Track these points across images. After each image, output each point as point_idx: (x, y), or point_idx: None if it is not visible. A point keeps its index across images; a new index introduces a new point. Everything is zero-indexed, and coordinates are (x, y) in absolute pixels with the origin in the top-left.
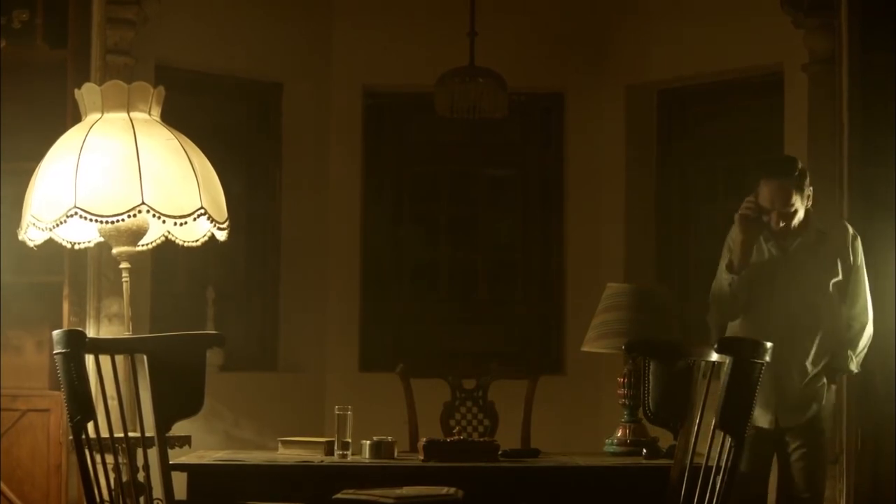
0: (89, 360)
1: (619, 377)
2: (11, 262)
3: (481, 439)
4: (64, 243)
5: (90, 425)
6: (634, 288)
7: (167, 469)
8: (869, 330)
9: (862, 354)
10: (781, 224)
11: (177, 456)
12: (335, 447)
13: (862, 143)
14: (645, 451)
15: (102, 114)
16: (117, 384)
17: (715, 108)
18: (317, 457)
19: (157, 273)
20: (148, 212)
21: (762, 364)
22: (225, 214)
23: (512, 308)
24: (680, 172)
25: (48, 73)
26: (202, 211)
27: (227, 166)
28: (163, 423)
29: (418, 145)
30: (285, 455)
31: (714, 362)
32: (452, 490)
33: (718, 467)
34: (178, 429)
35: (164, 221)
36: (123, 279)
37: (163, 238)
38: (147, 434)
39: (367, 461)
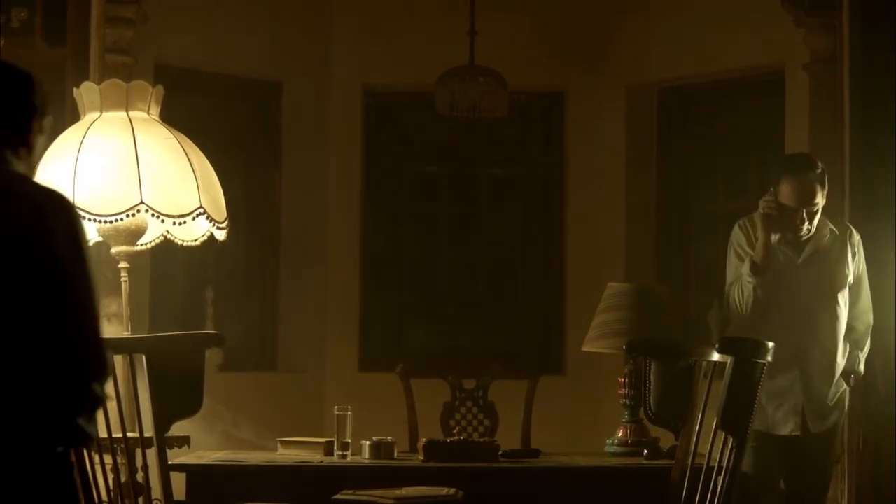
0: None
1: (619, 377)
2: None
3: (481, 440)
4: None
5: None
6: (635, 287)
7: (166, 469)
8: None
9: (865, 356)
10: (807, 224)
11: (176, 456)
12: (335, 447)
13: (863, 142)
14: (646, 451)
15: (101, 113)
16: (116, 384)
17: (716, 107)
18: (316, 457)
19: (157, 273)
20: (147, 211)
21: (764, 364)
22: (224, 214)
23: (512, 308)
24: (680, 172)
25: (47, 71)
26: (201, 210)
27: (227, 166)
28: (162, 424)
29: (418, 144)
30: (284, 455)
31: (715, 362)
32: (452, 491)
33: (720, 468)
34: (177, 429)
35: (162, 221)
36: (122, 279)
37: (162, 238)
38: (146, 434)
39: (366, 461)
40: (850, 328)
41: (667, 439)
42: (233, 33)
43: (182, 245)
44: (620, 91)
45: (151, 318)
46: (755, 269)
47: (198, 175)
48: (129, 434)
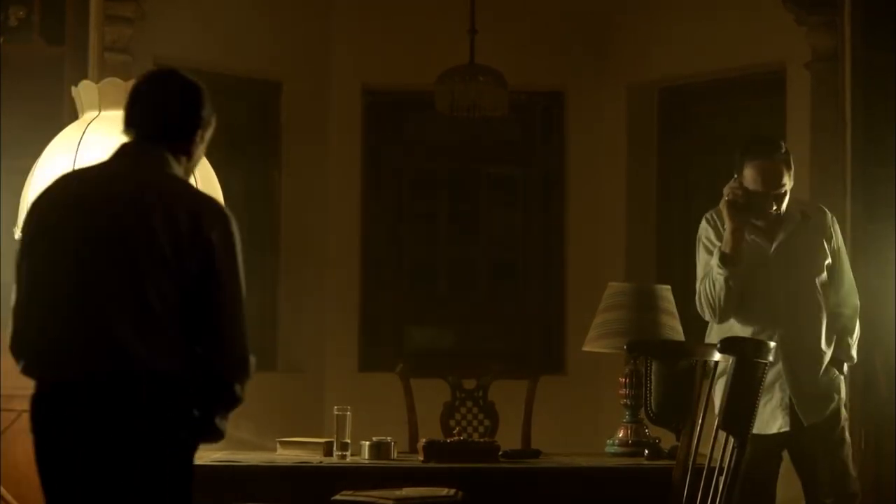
0: None
1: (620, 377)
2: (7, 261)
3: (481, 440)
4: None
5: None
6: (636, 287)
7: None
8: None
9: (857, 342)
10: (774, 207)
11: None
12: (334, 448)
13: (864, 141)
14: (647, 451)
15: (100, 111)
16: None
17: (716, 106)
18: (315, 457)
19: None
20: None
21: (765, 364)
22: None
23: (512, 307)
24: (681, 171)
25: (45, 70)
26: None
27: (226, 165)
28: None
29: (418, 144)
30: (284, 456)
31: (716, 362)
32: (452, 491)
33: (721, 468)
34: None
35: None
36: None
37: None
38: None
39: (366, 462)
40: (836, 314)
41: (667, 440)
42: (232, 32)
43: None
44: (621, 90)
45: None
46: (725, 259)
47: (196, 174)
48: None
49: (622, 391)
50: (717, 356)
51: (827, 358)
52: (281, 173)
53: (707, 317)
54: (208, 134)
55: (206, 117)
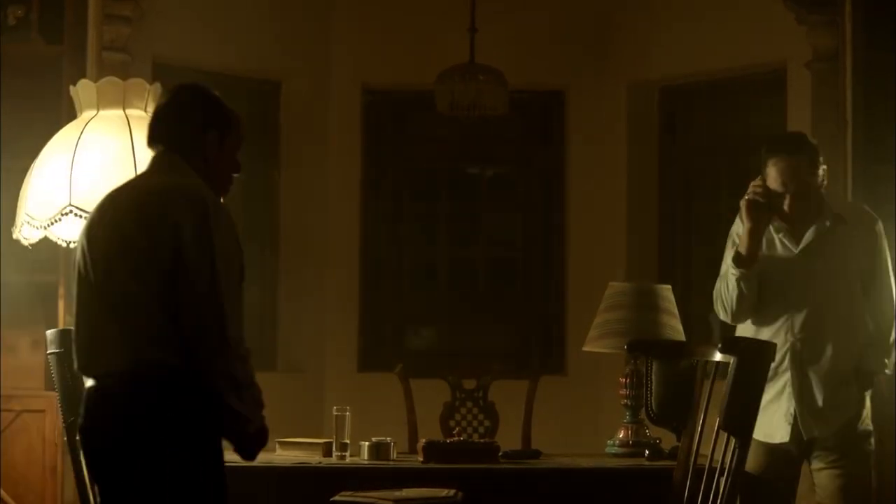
0: None
1: (620, 377)
2: (6, 261)
3: (481, 440)
4: (59, 242)
5: None
6: (636, 287)
7: None
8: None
9: (893, 356)
10: (787, 206)
11: None
12: (333, 448)
13: (865, 140)
14: (647, 452)
15: (98, 111)
16: None
17: (717, 105)
18: (315, 458)
19: None
20: None
21: (768, 364)
22: None
23: (513, 307)
24: (682, 170)
25: (44, 69)
26: None
27: None
28: None
29: (418, 143)
30: (283, 456)
31: (718, 362)
32: (452, 492)
33: (722, 469)
34: None
35: None
36: None
37: None
38: None
39: (365, 462)
40: (870, 323)
41: (668, 440)
42: (231, 31)
43: None
44: (622, 89)
45: None
46: (739, 259)
47: None
48: None
49: (622, 391)
50: (717, 356)
51: (847, 370)
52: (280, 172)
53: (722, 316)
54: (225, 136)
55: (211, 119)
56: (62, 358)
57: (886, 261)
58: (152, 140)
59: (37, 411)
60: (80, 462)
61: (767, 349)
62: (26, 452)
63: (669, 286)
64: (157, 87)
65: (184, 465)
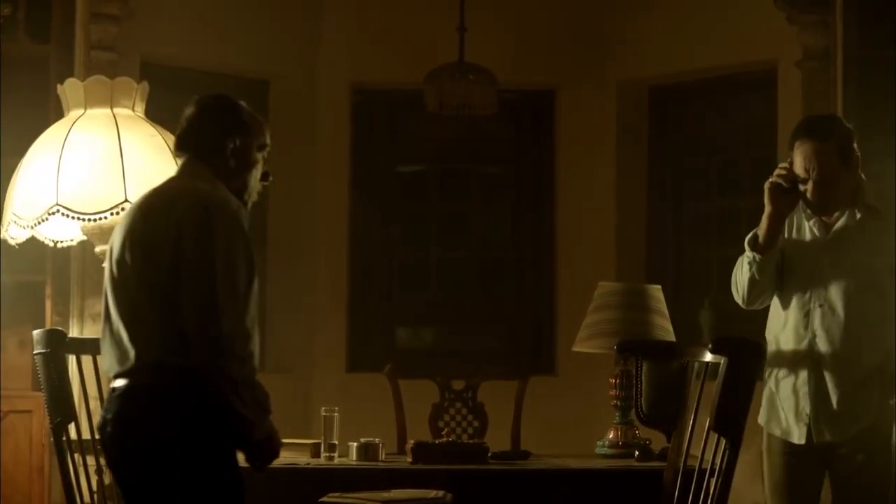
0: (71, 360)
1: (610, 378)
2: None
3: (471, 441)
4: (46, 241)
5: (73, 427)
6: (626, 287)
7: None
8: None
9: None
10: (820, 195)
11: None
12: (322, 449)
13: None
14: (637, 453)
15: (85, 110)
16: (99, 385)
17: (707, 104)
18: (303, 459)
19: None
20: None
21: (759, 363)
22: None
23: (502, 307)
24: (672, 170)
25: (31, 68)
26: None
27: None
28: None
29: (407, 142)
30: None
31: (708, 362)
32: (441, 493)
33: (713, 470)
34: None
35: None
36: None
37: None
38: None
39: (354, 463)
40: (891, 324)
41: (658, 441)
42: (219, 30)
43: None
44: (612, 88)
45: None
46: (755, 242)
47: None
48: None
49: (612, 392)
50: (708, 357)
51: (869, 372)
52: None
53: (736, 300)
54: (247, 143)
55: (234, 127)
56: (48, 358)
57: None
58: (178, 149)
59: (24, 412)
60: (66, 463)
61: (757, 349)
62: (13, 453)
63: (659, 286)
64: (145, 85)
65: (192, 467)
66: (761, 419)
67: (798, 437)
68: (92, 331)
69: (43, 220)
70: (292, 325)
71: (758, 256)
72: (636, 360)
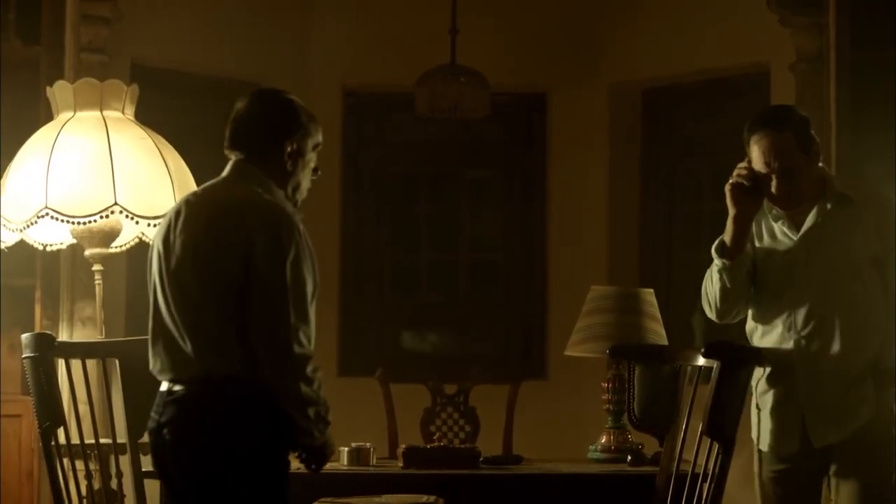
0: (61, 364)
1: (603, 382)
2: None
3: (462, 446)
4: (36, 245)
5: (62, 431)
6: (618, 291)
7: (140, 476)
8: None
9: None
10: (785, 187)
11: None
12: None
13: (849, 142)
14: (629, 457)
15: (75, 112)
16: (88, 389)
17: (700, 107)
18: (294, 464)
19: (134, 275)
20: (121, 212)
21: (751, 368)
22: None
23: (494, 311)
24: (664, 173)
25: (20, 70)
26: None
27: (203, 167)
28: (135, 430)
29: (398, 145)
30: None
31: (701, 366)
32: (433, 498)
33: (705, 474)
34: None
35: (137, 222)
36: (96, 282)
37: (137, 239)
38: (119, 440)
39: (344, 468)
40: (880, 317)
41: (651, 445)
42: (210, 32)
43: None
44: (604, 91)
45: (127, 322)
46: (722, 248)
47: (173, 176)
48: (103, 440)
49: (605, 396)
50: (701, 360)
51: (861, 368)
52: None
53: (708, 314)
54: (304, 145)
55: (289, 126)
56: (37, 362)
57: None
58: (230, 146)
59: (13, 416)
60: (55, 467)
61: (752, 353)
62: (2, 458)
63: (652, 290)
64: (135, 88)
65: (247, 479)
66: (754, 435)
67: (791, 444)
68: (82, 334)
69: (32, 224)
70: None
71: (727, 263)
72: (629, 364)
